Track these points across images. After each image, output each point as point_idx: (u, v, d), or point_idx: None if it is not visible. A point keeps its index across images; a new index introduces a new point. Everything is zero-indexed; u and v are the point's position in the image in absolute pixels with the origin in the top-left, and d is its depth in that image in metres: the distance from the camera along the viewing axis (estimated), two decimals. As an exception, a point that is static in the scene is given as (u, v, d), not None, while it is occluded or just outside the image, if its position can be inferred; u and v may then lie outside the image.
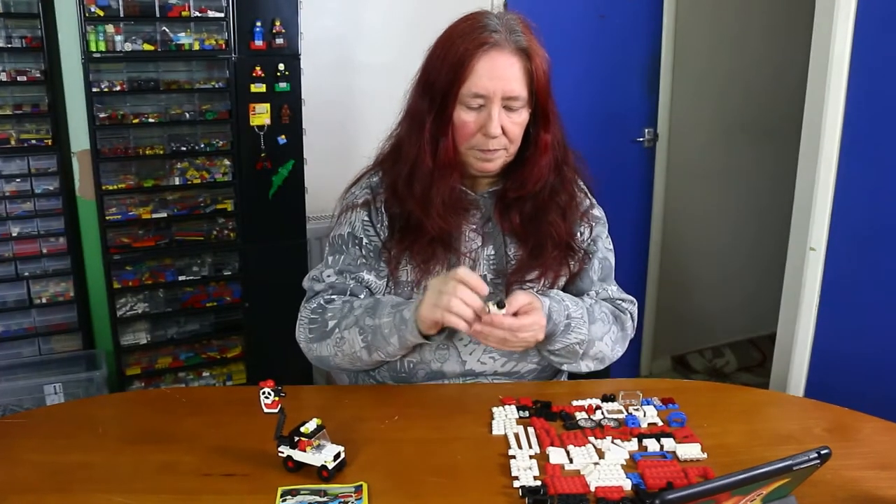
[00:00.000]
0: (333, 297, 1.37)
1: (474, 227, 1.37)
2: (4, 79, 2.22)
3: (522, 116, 1.29)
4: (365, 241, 1.38)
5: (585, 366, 1.38)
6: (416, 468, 1.08)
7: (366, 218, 1.38)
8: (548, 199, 1.36)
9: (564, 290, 1.42)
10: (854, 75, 1.85)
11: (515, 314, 1.22)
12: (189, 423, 1.21)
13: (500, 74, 1.25)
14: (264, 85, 2.32)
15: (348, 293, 1.36)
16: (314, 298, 1.38)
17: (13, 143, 2.28)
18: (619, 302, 1.44)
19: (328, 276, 1.38)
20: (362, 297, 1.36)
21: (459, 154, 1.31)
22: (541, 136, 1.32)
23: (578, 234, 1.41)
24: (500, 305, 1.18)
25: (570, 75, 2.93)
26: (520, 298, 1.23)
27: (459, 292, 1.17)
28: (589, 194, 1.47)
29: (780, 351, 2.14)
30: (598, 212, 1.46)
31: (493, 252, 1.37)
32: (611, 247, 1.48)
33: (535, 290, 1.36)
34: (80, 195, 2.44)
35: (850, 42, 1.84)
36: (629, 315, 1.44)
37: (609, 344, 1.37)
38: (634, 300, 1.47)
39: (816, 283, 2.00)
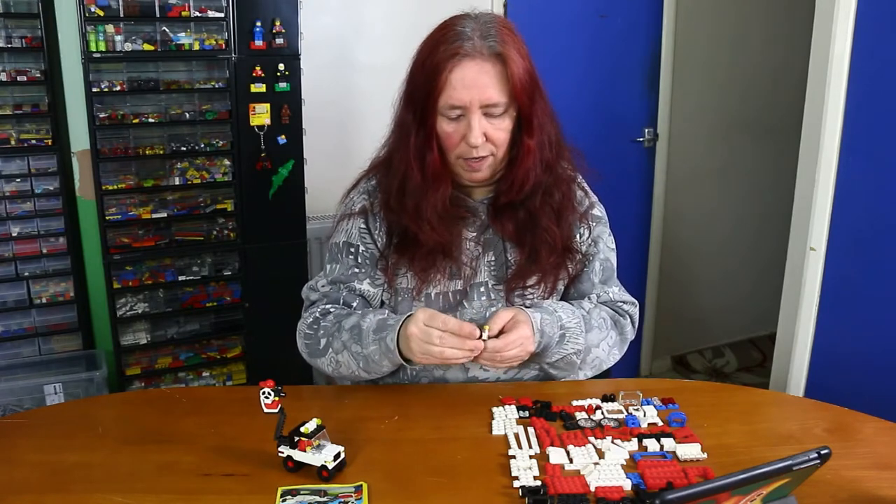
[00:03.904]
0: (328, 307, 1.37)
1: (474, 234, 1.36)
2: (4, 79, 2.22)
3: (506, 122, 1.26)
4: (361, 248, 1.37)
5: (583, 374, 1.38)
6: (416, 468, 1.08)
7: (363, 225, 1.37)
8: (540, 204, 1.33)
9: (565, 292, 1.41)
10: (854, 75, 1.85)
11: (500, 333, 1.21)
12: (189, 423, 1.21)
13: (472, 83, 1.21)
14: (264, 85, 2.32)
15: (341, 302, 1.37)
16: (310, 309, 1.39)
17: (13, 143, 2.28)
18: (620, 304, 1.43)
19: (322, 285, 1.39)
20: (355, 305, 1.36)
21: (448, 164, 1.30)
22: (524, 140, 1.28)
23: (578, 235, 1.39)
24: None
25: (570, 75, 2.93)
26: (502, 316, 1.22)
27: (447, 342, 1.16)
28: (590, 192, 1.45)
29: (780, 351, 2.14)
30: (598, 211, 1.44)
31: (493, 259, 1.36)
32: (613, 246, 1.45)
33: (534, 295, 1.36)
34: (80, 195, 2.44)
35: (850, 42, 1.84)
36: (629, 318, 1.42)
37: (606, 349, 1.36)
38: (636, 302, 1.45)
39: (816, 283, 2.00)
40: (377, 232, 1.37)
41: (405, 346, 1.22)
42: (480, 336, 1.18)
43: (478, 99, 1.22)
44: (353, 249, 1.37)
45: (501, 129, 1.26)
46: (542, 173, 1.32)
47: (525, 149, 1.28)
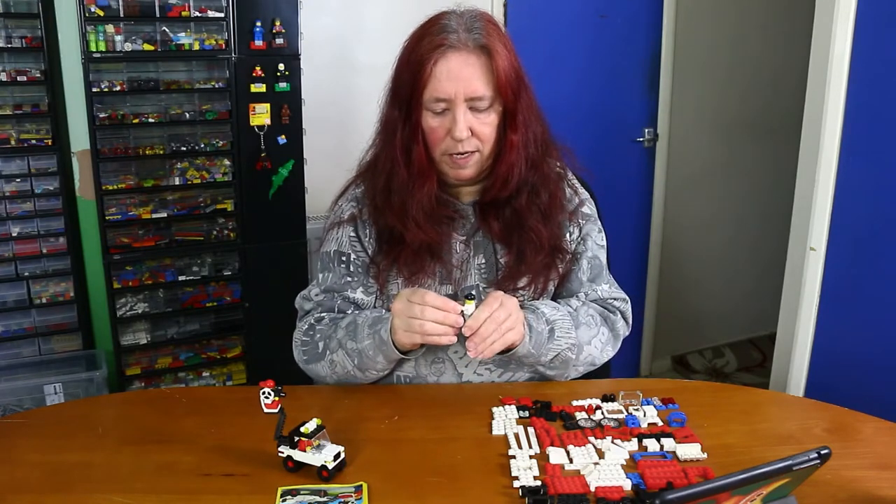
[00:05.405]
0: (323, 314, 1.37)
1: (463, 237, 1.35)
2: (4, 79, 2.22)
3: (492, 116, 1.25)
4: (353, 256, 1.37)
5: (576, 371, 1.37)
6: (416, 468, 1.08)
7: (352, 234, 1.37)
8: (527, 203, 1.32)
9: (555, 292, 1.40)
10: (854, 75, 1.85)
11: None
12: (189, 423, 1.22)
13: (457, 75, 1.21)
14: (264, 85, 2.32)
15: (336, 310, 1.37)
16: (305, 318, 1.39)
17: (13, 143, 2.28)
18: (611, 301, 1.42)
19: (316, 294, 1.39)
20: (349, 313, 1.36)
21: (434, 161, 1.29)
22: (507, 135, 1.27)
23: (567, 234, 1.38)
24: (470, 297, 1.18)
25: (570, 75, 2.93)
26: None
27: (427, 315, 1.16)
28: (580, 189, 1.44)
29: (780, 351, 2.14)
30: (587, 209, 1.42)
31: (483, 261, 1.35)
32: (603, 243, 1.44)
33: (525, 297, 1.35)
34: (80, 195, 2.44)
35: (850, 42, 1.84)
36: (620, 314, 1.41)
37: (598, 346, 1.35)
38: (627, 298, 1.44)
39: (816, 283, 1.99)
40: (367, 239, 1.37)
41: (398, 342, 1.23)
42: (462, 314, 1.17)
43: (462, 91, 1.22)
44: (344, 258, 1.37)
45: (487, 124, 1.25)
46: (528, 171, 1.31)
47: (508, 144, 1.27)
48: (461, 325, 1.17)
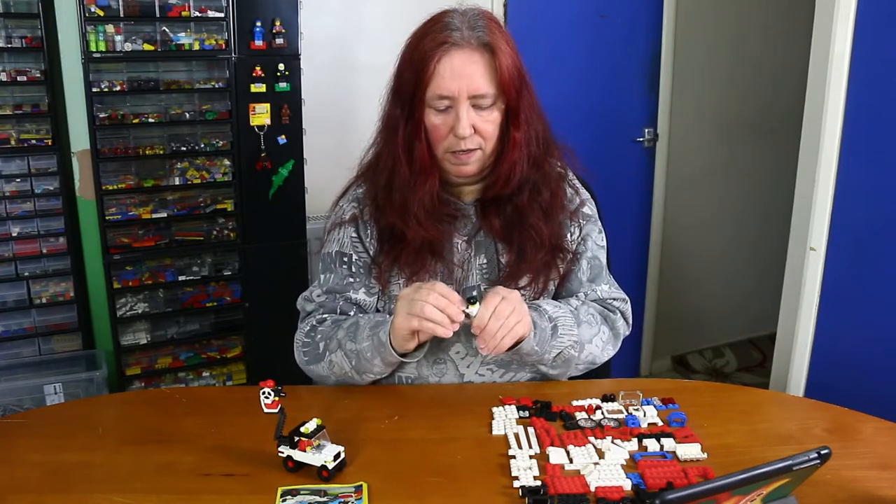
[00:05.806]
0: (325, 315, 1.37)
1: (465, 237, 1.35)
2: (4, 79, 2.22)
3: (494, 114, 1.26)
4: (354, 257, 1.37)
5: (576, 369, 1.37)
6: (416, 468, 1.08)
7: (354, 234, 1.37)
8: (528, 200, 1.33)
9: (554, 292, 1.40)
10: (854, 75, 1.85)
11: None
12: (189, 423, 1.22)
13: (461, 73, 1.21)
14: (264, 85, 2.32)
15: (338, 311, 1.37)
16: (307, 319, 1.39)
17: (13, 143, 2.28)
18: (610, 301, 1.42)
19: (318, 295, 1.39)
20: (351, 314, 1.36)
21: (436, 159, 1.29)
22: (510, 133, 1.27)
23: (568, 234, 1.38)
24: (472, 301, 1.17)
25: (570, 75, 2.93)
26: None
27: (431, 298, 1.15)
28: (581, 189, 1.44)
29: (780, 351, 2.14)
30: (588, 209, 1.43)
31: (485, 261, 1.35)
32: (603, 244, 1.44)
33: (526, 296, 1.34)
34: (80, 195, 2.44)
35: (850, 42, 1.84)
36: (620, 314, 1.41)
37: (599, 345, 1.35)
38: (627, 298, 1.44)
39: (816, 283, 2.00)
40: (368, 240, 1.37)
41: (395, 336, 1.22)
42: (467, 315, 1.17)
43: (466, 89, 1.22)
44: (346, 259, 1.37)
45: (490, 122, 1.26)
46: (529, 168, 1.31)
47: (511, 141, 1.28)
48: (461, 320, 1.17)
